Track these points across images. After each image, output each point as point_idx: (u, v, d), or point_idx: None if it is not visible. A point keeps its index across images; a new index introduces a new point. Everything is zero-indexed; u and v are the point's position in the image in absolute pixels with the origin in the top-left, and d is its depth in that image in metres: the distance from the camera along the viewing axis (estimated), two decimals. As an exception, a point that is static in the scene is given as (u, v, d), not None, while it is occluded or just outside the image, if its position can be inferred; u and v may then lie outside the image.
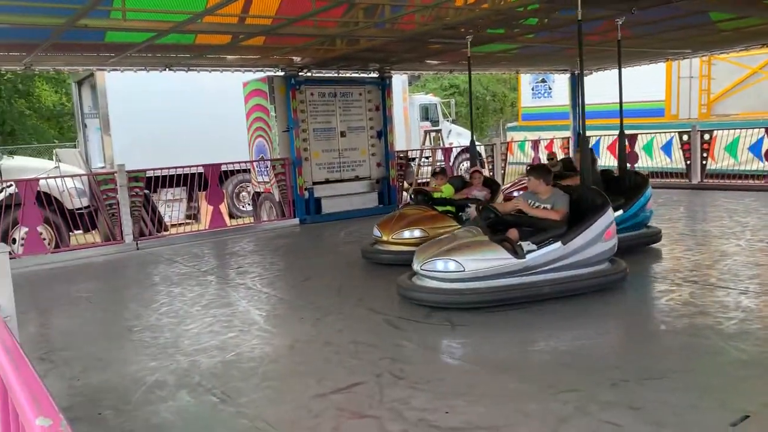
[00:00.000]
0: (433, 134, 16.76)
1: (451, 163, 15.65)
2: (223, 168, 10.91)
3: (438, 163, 14.03)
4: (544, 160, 15.05)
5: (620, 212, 6.68)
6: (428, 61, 11.45)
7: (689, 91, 17.17)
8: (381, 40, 8.77)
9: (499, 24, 8.35)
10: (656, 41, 10.82)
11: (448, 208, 7.48)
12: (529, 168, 6.02)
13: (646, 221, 7.14)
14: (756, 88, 17.22)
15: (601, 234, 5.27)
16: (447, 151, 14.96)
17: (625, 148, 7.58)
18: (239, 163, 11.46)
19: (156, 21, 7.09)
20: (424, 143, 16.82)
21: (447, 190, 7.79)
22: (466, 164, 17.59)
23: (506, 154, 14.66)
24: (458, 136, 19.54)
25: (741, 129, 13.93)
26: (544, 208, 5.43)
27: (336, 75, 11.49)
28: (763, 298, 4.92)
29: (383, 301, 5.49)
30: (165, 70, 9.80)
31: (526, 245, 5.11)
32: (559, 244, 5.13)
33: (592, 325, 4.73)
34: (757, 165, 12.84)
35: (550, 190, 5.53)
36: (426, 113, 19.19)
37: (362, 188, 11.65)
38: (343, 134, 11.44)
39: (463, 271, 5.04)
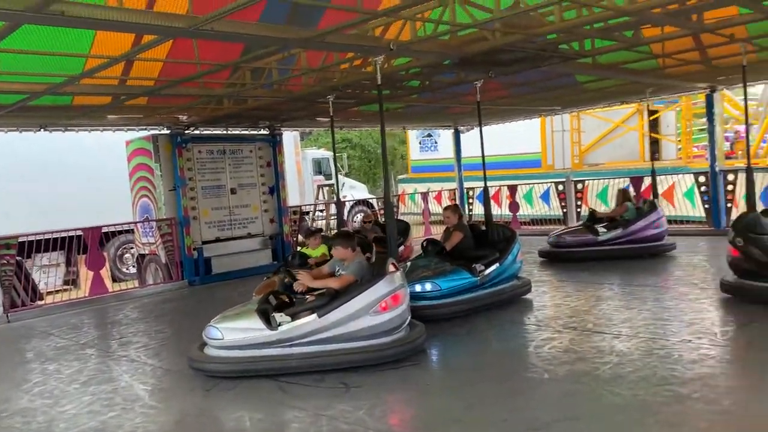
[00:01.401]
0: (326, 188, 16.90)
1: (345, 217, 15.81)
2: (105, 229, 10.39)
3: (316, 222, 13.96)
4: (435, 210, 15.55)
5: (497, 265, 6.97)
6: (318, 119, 11.63)
7: (562, 143, 18.50)
8: (269, 100, 8.84)
9: (384, 86, 8.67)
10: (530, 100, 11.65)
11: None
12: (334, 234, 6.02)
13: (517, 272, 7.38)
14: (620, 140, 18.85)
15: (369, 307, 5.03)
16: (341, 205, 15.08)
17: (489, 201, 7.91)
18: (121, 225, 10.96)
19: (29, 83, 6.78)
20: (317, 197, 16.91)
21: (317, 252, 7.49)
22: (360, 216, 17.84)
23: (398, 206, 14.99)
24: (352, 189, 19.82)
25: (609, 178, 15.14)
26: (340, 275, 5.38)
27: (225, 132, 11.39)
28: (633, 341, 5.28)
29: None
30: (39, 130, 9.31)
31: (279, 316, 5.06)
32: (314, 316, 5.02)
33: (489, 377, 4.86)
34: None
35: (354, 257, 5.44)
36: (319, 167, 19.37)
37: (255, 245, 11.47)
38: (233, 191, 11.27)
39: (222, 339, 5.10)
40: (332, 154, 20.64)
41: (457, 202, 15.75)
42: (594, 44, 7.15)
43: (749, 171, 7.19)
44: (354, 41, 5.88)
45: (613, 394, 4.18)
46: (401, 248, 9.10)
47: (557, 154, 18.55)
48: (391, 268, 5.26)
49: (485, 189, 7.86)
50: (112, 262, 13.43)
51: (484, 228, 7.70)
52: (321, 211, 15.90)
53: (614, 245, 9.50)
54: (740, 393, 4.15)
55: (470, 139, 14.27)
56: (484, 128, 14.91)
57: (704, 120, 13.67)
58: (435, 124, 15.92)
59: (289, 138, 16.40)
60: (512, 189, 15.06)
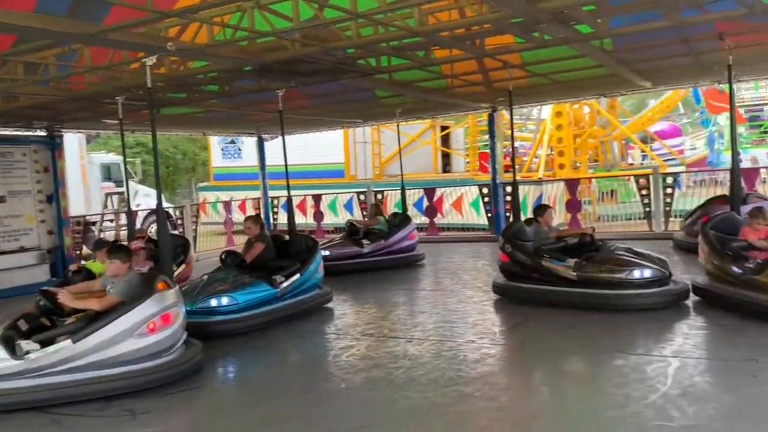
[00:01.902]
0: (116, 196, 15.66)
1: (138, 226, 14.74)
2: None
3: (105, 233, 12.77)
4: (239, 219, 15.14)
5: (297, 276, 6.96)
6: (106, 121, 10.71)
7: (364, 154, 19.14)
8: (46, 99, 7.94)
9: (179, 89, 8.27)
10: (332, 111, 11.88)
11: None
12: (108, 249, 5.38)
13: (319, 283, 7.42)
14: (416, 153, 20.00)
15: (133, 329, 4.67)
16: (133, 214, 14.05)
17: (293, 210, 7.92)
18: None
19: None
20: (105, 206, 15.59)
21: (97, 268, 6.58)
22: (155, 227, 16.77)
23: (198, 216, 14.35)
24: (146, 197, 18.55)
25: (407, 188, 15.96)
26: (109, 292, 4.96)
27: (-9, 133, 10.02)
28: (424, 345, 5.57)
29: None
30: None
31: (26, 344, 4.49)
32: (68, 342, 4.53)
33: (287, 391, 4.78)
34: (421, 219, 14.77)
35: (126, 273, 5.08)
36: (108, 173, 17.85)
37: (30, 260, 10.21)
38: (2, 200, 9.94)
39: None
40: (123, 159, 19.26)
41: (262, 211, 15.54)
42: (390, 61, 7.47)
43: (515, 184, 8.05)
44: (136, 39, 5.48)
45: (406, 398, 4.35)
46: (181, 267, 8.56)
47: (359, 164, 19.15)
48: (161, 286, 4.94)
49: (288, 198, 7.82)
50: None
51: (287, 238, 7.65)
52: (110, 221, 14.66)
53: (375, 257, 9.77)
54: (515, 390, 4.55)
55: (275, 147, 14.18)
56: (289, 137, 15.03)
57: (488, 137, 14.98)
58: (238, 130, 15.55)
59: (73, 141, 14.91)
60: (317, 198, 15.23)
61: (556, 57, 7.93)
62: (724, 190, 12.71)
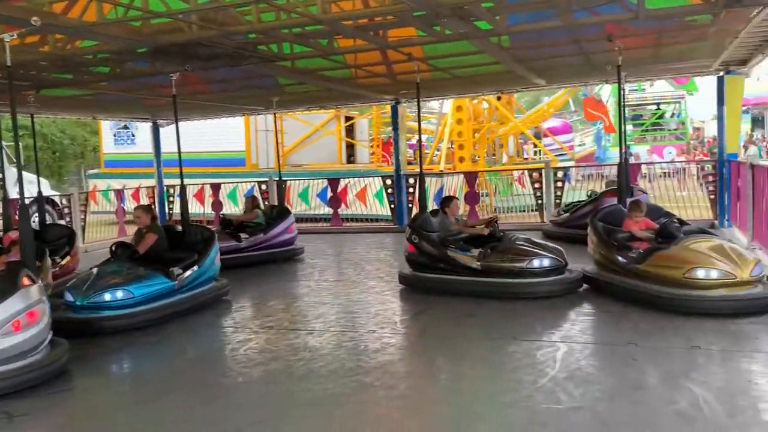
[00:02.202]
0: (-4, 183, 14.44)
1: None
2: None
3: None
4: (131, 208, 14.44)
5: (195, 268, 6.73)
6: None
7: (266, 143, 18.78)
8: None
9: (66, 69, 7.74)
10: (233, 97, 11.54)
11: None
12: None
13: (216, 274, 7.22)
14: (320, 143, 19.86)
15: None
16: (14, 203, 13.07)
17: (186, 200, 7.58)
18: None
19: None
20: (-18, 193, 14.37)
21: None
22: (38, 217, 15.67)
23: (87, 204, 13.55)
24: (30, 185, 17.27)
25: (310, 179, 15.85)
26: None
27: None
28: (325, 336, 5.54)
29: None
30: None
31: None
32: None
33: (183, 387, 4.60)
34: (324, 209, 14.70)
35: None
36: (-16, 158, 16.47)
37: None
38: None
39: None
40: (4, 142, 17.84)
41: (156, 200, 14.90)
42: (292, 49, 7.34)
43: (421, 176, 8.15)
44: (7, 12, 5.06)
45: (305, 390, 4.31)
46: (66, 259, 8.08)
47: (261, 153, 18.77)
48: (26, 281, 4.60)
49: (182, 187, 7.50)
50: None
51: (180, 229, 7.35)
52: (-12, 209, 13.54)
53: (254, 251, 9.45)
54: (414, 377, 4.62)
55: (171, 134, 13.62)
56: (187, 124, 14.50)
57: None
58: (131, 115, 14.78)
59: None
60: (215, 187, 14.78)
61: (456, 52, 8.10)
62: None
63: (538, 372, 4.32)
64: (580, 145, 27.70)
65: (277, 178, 11.12)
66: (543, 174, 12.06)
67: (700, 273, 5.47)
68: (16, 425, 3.96)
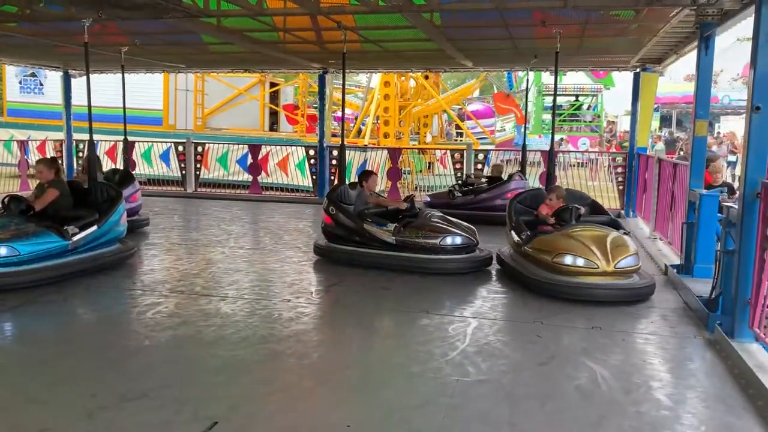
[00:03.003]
0: None
1: None
2: None
3: None
4: (34, 161, 13.58)
5: (94, 228, 6.41)
6: None
7: (186, 103, 18.10)
8: None
9: (-33, 3, 7.11)
10: (153, 52, 11.00)
11: None
12: None
13: (121, 236, 6.95)
14: (242, 107, 19.35)
15: None
16: None
17: (95, 156, 7.16)
18: None
19: None
20: None
21: None
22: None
23: (-15, 155, 12.63)
24: None
25: (230, 143, 15.43)
26: None
27: None
28: (238, 303, 5.44)
29: None
30: None
31: None
32: None
33: (83, 350, 4.39)
34: (244, 176, 14.38)
35: None
36: None
37: None
38: None
39: None
40: None
41: (65, 154, 14.09)
42: (219, 5, 7.04)
43: (342, 149, 8.12)
44: None
45: (214, 357, 4.22)
46: None
47: (180, 114, 18.10)
48: None
49: (90, 142, 7.09)
50: None
51: (86, 186, 6.96)
52: None
53: None
54: (326, 346, 4.61)
55: (83, 85, 12.86)
56: (103, 77, 13.72)
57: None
58: (40, 62, 13.80)
59: None
60: (130, 145, 14.10)
61: (388, 25, 8.04)
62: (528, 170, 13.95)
63: (448, 345, 4.41)
64: (500, 131, 28.39)
65: (125, 138, 10.36)
66: (464, 155, 12.26)
67: (567, 259, 5.70)
68: None
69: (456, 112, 24.44)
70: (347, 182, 7.71)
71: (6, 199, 6.22)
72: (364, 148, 15.43)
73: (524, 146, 10.59)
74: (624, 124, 30.29)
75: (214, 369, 4.01)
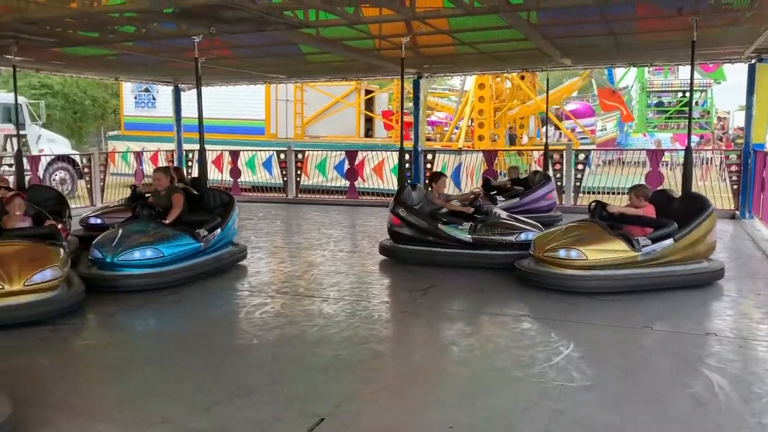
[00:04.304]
0: (15, 139, 14.62)
1: (41, 174, 13.89)
2: None
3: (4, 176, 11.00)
4: (148, 171, 14.56)
5: (218, 231, 6.80)
6: (7, 56, 9.90)
7: (286, 112, 18.75)
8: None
9: (92, 27, 7.73)
10: (255, 64, 11.49)
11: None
12: None
13: (233, 238, 7.34)
14: (339, 115, 19.79)
15: None
16: (35, 160, 13.22)
17: (205, 164, 7.55)
18: None
19: None
20: (4, 149, 14.57)
21: None
22: (61, 174, 15.85)
23: (106, 165, 13.66)
24: (50, 143, 17.46)
25: (328, 150, 15.83)
26: None
27: None
28: (340, 304, 5.58)
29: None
30: None
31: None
32: None
33: (199, 347, 4.67)
34: (341, 182, 14.72)
35: None
36: (8, 114, 16.61)
37: None
38: None
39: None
40: (27, 100, 17.97)
41: (175, 164, 14.98)
42: (318, 16, 7.27)
43: (401, 152, 8.25)
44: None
45: (318, 356, 4.35)
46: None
47: (281, 123, 18.75)
48: None
49: (201, 151, 7.52)
50: None
51: (196, 192, 7.41)
52: (10, 165, 13.70)
53: None
54: (426, 348, 4.63)
55: (192, 99, 13.64)
56: (209, 89, 14.50)
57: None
58: (154, 78, 14.77)
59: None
60: (234, 154, 14.83)
61: (483, 26, 7.98)
62: (629, 170, 13.40)
63: (551, 350, 4.32)
64: (601, 130, 27.36)
65: (321, 149, 10.95)
66: (564, 156, 11.94)
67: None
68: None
69: (553, 111, 23.79)
70: (414, 185, 7.93)
71: (138, 206, 6.73)
72: (459, 151, 15.36)
73: (546, 144, 10.99)
74: (738, 120, 28.34)
75: (319, 367, 4.14)
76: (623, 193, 10.68)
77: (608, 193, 12.38)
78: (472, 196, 7.67)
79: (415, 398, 3.69)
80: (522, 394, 3.67)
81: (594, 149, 16.72)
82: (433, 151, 13.61)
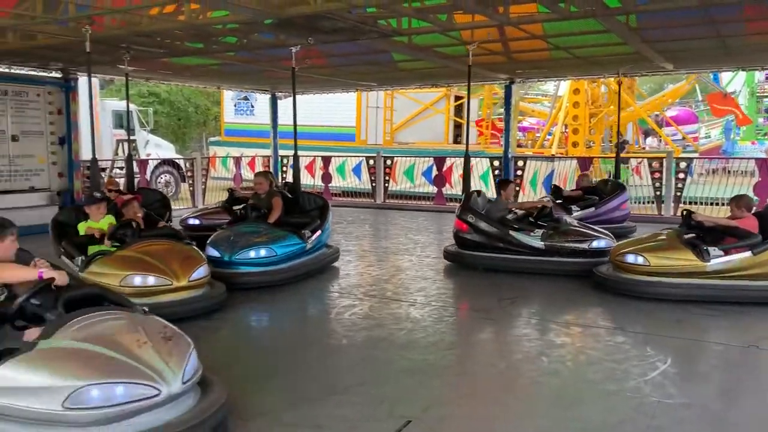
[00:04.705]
0: (126, 143, 15.66)
1: (148, 177, 14.81)
2: None
3: (116, 179, 11.39)
4: (247, 176, 15.20)
5: (319, 232, 7.05)
6: (121, 66, 10.66)
7: (376, 119, 19.03)
8: (63, 39, 7.88)
9: (198, 38, 8.19)
10: (348, 73, 11.76)
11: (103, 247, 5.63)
12: None
13: (327, 241, 7.57)
14: (428, 121, 19.86)
15: None
16: (143, 164, 14.12)
17: (299, 169, 7.82)
18: None
19: None
20: (117, 153, 15.63)
21: (104, 224, 5.87)
22: (165, 177, 16.82)
23: (208, 169, 14.38)
24: (157, 148, 18.58)
25: (416, 156, 15.92)
26: None
27: (7, 71, 9.98)
28: (426, 309, 5.61)
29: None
30: None
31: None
32: None
33: (293, 345, 4.84)
34: (429, 188, 14.76)
35: None
36: (121, 121, 17.82)
37: (39, 201, 10.27)
38: (15, 138, 9.96)
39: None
40: (137, 107, 19.20)
41: (271, 169, 15.54)
42: (411, 24, 7.36)
43: (466, 157, 8.17)
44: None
45: (406, 359, 4.40)
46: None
47: (371, 129, 19.05)
48: None
49: (295, 157, 7.81)
50: None
51: (290, 196, 7.68)
52: (121, 168, 14.70)
53: None
54: (515, 357, 4.56)
55: (288, 106, 14.12)
56: (302, 97, 14.96)
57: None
58: (252, 86, 15.43)
59: (87, 85, 14.87)
60: (326, 160, 15.20)
61: (578, 31, 7.80)
62: (735, 180, 12.63)
63: (647, 365, 4.16)
64: (705, 137, 25.93)
65: (410, 155, 11.09)
66: (664, 164, 11.43)
67: None
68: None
69: (653, 118, 22.76)
70: (479, 191, 7.87)
71: (244, 208, 7.11)
72: (551, 158, 15.02)
73: (617, 152, 10.55)
74: None
75: (407, 370, 4.19)
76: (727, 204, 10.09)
77: (711, 203, 11.74)
78: (540, 206, 7.57)
79: (503, 406, 3.66)
80: (616, 408, 3.56)
81: (696, 157, 15.90)
82: (524, 158, 13.40)
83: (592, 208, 9.37)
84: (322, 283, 6.68)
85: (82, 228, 5.93)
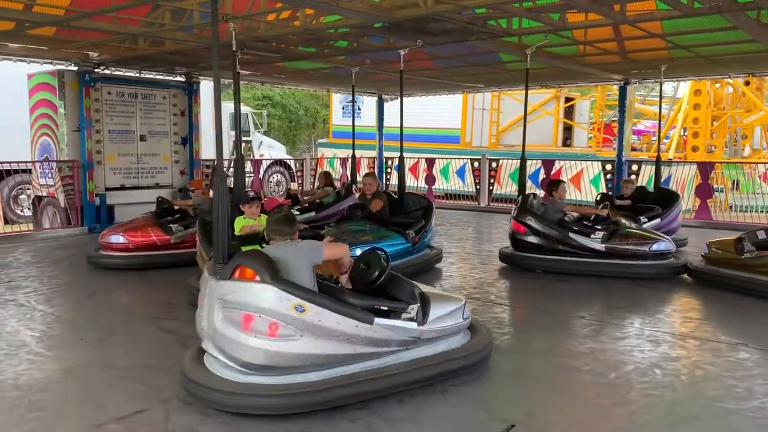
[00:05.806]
0: (243, 145, 16.46)
1: (261, 176, 15.49)
2: (-1, 167, 9.69)
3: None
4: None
5: (423, 233, 7.12)
6: (240, 71, 11.23)
7: (481, 121, 18.84)
8: (188, 45, 8.43)
9: (311, 43, 8.48)
10: (455, 74, 11.74)
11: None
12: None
13: (430, 242, 7.61)
14: (536, 123, 19.38)
15: None
16: (256, 164, 14.78)
17: (404, 170, 7.94)
18: (17, 163, 10.25)
19: None
20: (232, 153, 16.45)
21: (262, 222, 6.18)
22: (277, 177, 17.53)
23: (316, 169, 14.84)
24: (269, 149, 19.41)
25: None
26: None
27: (138, 75, 10.80)
28: (529, 313, 5.49)
29: (177, 321, 5.21)
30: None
31: None
32: None
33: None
34: (536, 192, 14.41)
35: None
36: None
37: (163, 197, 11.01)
38: (143, 138, 10.75)
39: None
40: (251, 110, 20.14)
41: (376, 170, 15.80)
42: (521, 24, 7.24)
43: (523, 159, 8.10)
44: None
45: (510, 363, 4.34)
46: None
47: (476, 132, 18.89)
48: None
49: (401, 159, 7.90)
50: (5, 202, 12.56)
51: (396, 196, 7.78)
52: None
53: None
54: (623, 368, 4.35)
55: (394, 109, 14.29)
56: (408, 99, 15.10)
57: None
58: (360, 89, 15.73)
59: (208, 88, 15.77)
60: (430, 162, 15.25)
61: (701, 28, 7.36)
62: None
63: (772, 384, 3.86)
64: None
65: (516, 158, 10.86)
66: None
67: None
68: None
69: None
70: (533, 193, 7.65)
71: (350, 208, 7.32)
72: (669, 162, 14.25)
73: (658, 156, 9.83)
74: None
75: (510, 374, 4.14)
76: None
77: None
78: (597, 214, 7.36)
79: (611, 418, 3.52)
80: (735, 427, 3.34)
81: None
82: (639, 162, 12.80)
83: (659, 219, 8.53)
84: (426, 283, 6.68)
85: (239, 224, 5.85)
